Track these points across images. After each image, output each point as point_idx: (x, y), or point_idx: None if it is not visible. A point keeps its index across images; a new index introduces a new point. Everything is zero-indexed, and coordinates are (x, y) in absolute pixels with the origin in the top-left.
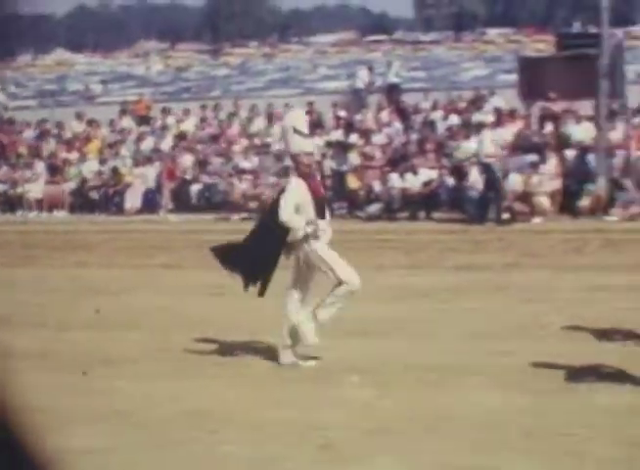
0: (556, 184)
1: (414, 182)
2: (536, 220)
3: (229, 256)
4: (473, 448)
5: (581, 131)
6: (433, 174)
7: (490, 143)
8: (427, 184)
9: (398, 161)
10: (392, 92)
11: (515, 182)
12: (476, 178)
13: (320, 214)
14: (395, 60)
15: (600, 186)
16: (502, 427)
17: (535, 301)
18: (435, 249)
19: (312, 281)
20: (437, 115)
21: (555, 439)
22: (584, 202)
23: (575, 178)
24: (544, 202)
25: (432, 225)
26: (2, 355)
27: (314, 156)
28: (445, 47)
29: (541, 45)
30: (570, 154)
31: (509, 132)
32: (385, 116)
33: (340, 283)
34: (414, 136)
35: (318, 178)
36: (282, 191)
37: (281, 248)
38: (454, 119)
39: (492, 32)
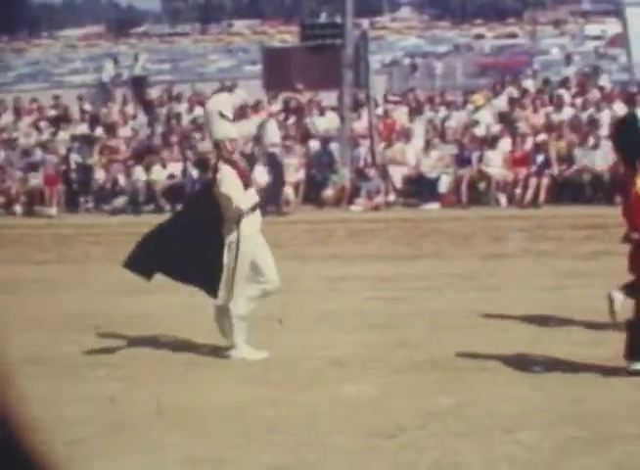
0: (300, 175)
1: (159, 175)
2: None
3: (165, 264)
4: (218, 442)
5: (325, 122)
6: (178, 167)
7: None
8: (172, 177)
9: (143, 154)
10: (138, 85)
11: (260, 174)
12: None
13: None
14: (142, 53)
15: (344, 176)
16: (246, 419)
17: (281, 292)
18: None
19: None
20: (183, 107)
21: (300, 430)
22: (329, 192)
23: (320, 169)
24: (289, 192)
25: None
26: None
27: (238, 141)
28: (192, 39)
29: (288, 36)
30: (314, 144)
31: (253, 124)
32: (130, 108)
33: (259, 281)
34: (159, 129)
35: (242, 164)
36: (209, 184)
37: (222, 245)
38: (199, 111)
39: (239, 24)
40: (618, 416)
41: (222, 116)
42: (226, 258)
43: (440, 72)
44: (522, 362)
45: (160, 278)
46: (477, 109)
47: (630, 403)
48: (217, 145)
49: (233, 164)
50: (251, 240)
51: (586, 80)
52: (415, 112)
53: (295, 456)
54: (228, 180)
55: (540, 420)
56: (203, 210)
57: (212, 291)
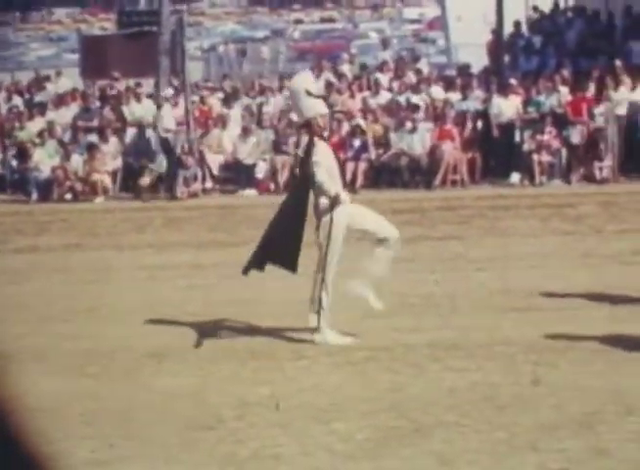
0: (117, 163)
1: None
2: (98, 200)
3: (261, 255)
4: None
5: (142, 109)
6: None
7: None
8: None
9: None
10: None
11: (76, 162)
12: (39, 159)
13: (343, 179)
14: None
15: (161, 164)
16: (62, 413)
17: (98, 282)
18: None
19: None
20: (1, 96)
21: (117, 424)
22: (146, 180)
23: (137, 157)
24: (106, 181)
25: None
26: None
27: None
28: (13, 28)
29: (108, 24)
30: (130, 132)
31: (71, 112)
32: None
33: (379, 241)
34: None
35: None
36: (305, 160)
37: (303, 222)
38: (17, 101)
39: (60, 12)
40: (438, 404)
41: (309, 93)
42: (321, 237)
43: (258, 58)
44: (340, 350)
45: None
46: None
47: (450, 391)
48: (309, 123)
49: (326, 140)
50: (345, 218)
51: (404, 64)
52: (231, 98)
53: (111, 451)
54: (320, 155)
55: (358, 409)
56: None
57: (293, 266)
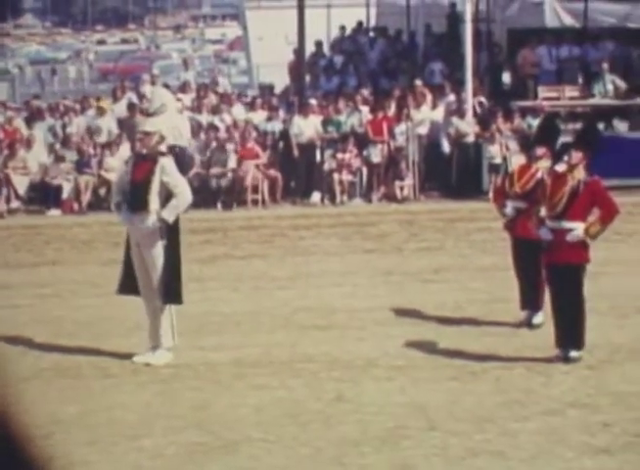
0: None
1: None
2: None
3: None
4: None
5: None
6: None
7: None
8: None
9: None
10: None
11: None
12: None
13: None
14: None
15: None
16: None
17: None
18: None
19: None
20: None
21: None
22: None
23: None
24: None
25: None
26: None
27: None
28: None
29: None
30: None
31: None
32: None
33: None
34: None
35: None
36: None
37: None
38: None
39: None
40: (243, 421)
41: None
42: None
43: (62, 79)
44: (145, 369)
45: None
46: (98, 115)
47: (254, 408)
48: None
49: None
50: None
51: (205, 84)
52: (36, 119)
53: None
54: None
55: (164, 426)
56: None
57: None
